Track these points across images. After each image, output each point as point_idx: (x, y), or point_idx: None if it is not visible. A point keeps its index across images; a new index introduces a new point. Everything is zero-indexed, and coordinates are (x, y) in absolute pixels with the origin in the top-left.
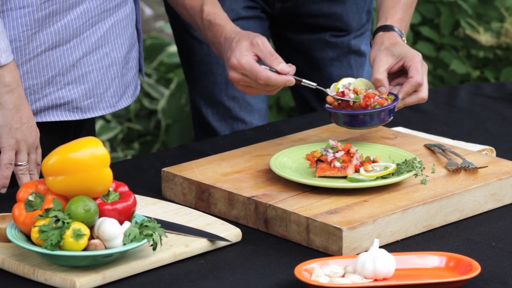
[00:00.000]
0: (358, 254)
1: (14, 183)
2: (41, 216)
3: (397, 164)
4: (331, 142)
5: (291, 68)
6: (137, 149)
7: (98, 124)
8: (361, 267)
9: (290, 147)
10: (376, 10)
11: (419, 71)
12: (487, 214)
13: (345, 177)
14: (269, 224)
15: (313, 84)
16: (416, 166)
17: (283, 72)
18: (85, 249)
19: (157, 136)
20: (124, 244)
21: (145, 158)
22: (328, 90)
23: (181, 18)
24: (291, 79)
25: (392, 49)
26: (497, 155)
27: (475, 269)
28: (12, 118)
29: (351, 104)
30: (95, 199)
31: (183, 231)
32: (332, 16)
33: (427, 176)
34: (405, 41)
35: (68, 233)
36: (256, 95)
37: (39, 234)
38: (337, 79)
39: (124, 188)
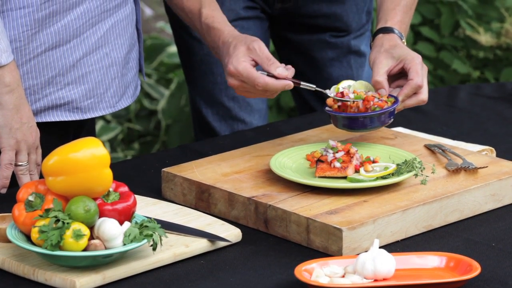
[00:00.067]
0: (358, 254)
1: (14, 183)
2: (41, 216)
3: (397, 165)
4: (331, 143)
5: (289, 72)
6: (137, 150)
7: (98, 125)
8: (361, 267)
9: (290, 148)
10: (376, 11)
11: (419, 73)
12: (487, 215)
13: (345, 178)
14: (269, 225)
15: (312, 86)
16: (416, 167)
17: (280, 77)
18: (85, 250)
19: (157, 137)
20: (124, 244)
21: (145, 158)
22: (327, 92)
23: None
24: (289, 83)
25: (392, 51)
26: (497, 156)
27: (475, 269)
28: (12, 118)
29: (352, 104)
30: (95, 199)
31: (183, 232)
32: (332, 16)
33: (427, 176)
34: (405, 43)
35: (68, 233)
36: None
37: (39, 234)
38: (337, 80)
39: (124, 189)
